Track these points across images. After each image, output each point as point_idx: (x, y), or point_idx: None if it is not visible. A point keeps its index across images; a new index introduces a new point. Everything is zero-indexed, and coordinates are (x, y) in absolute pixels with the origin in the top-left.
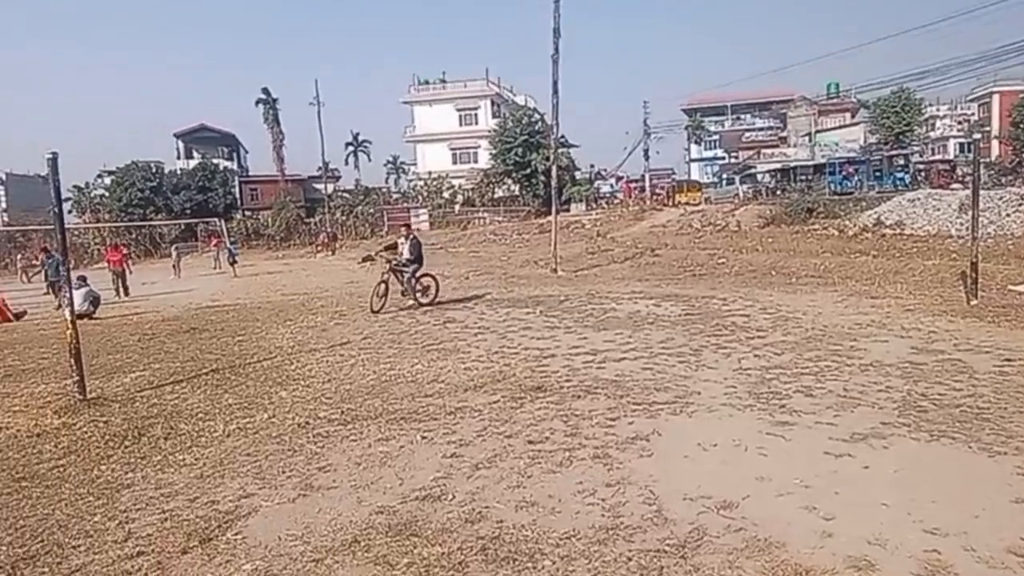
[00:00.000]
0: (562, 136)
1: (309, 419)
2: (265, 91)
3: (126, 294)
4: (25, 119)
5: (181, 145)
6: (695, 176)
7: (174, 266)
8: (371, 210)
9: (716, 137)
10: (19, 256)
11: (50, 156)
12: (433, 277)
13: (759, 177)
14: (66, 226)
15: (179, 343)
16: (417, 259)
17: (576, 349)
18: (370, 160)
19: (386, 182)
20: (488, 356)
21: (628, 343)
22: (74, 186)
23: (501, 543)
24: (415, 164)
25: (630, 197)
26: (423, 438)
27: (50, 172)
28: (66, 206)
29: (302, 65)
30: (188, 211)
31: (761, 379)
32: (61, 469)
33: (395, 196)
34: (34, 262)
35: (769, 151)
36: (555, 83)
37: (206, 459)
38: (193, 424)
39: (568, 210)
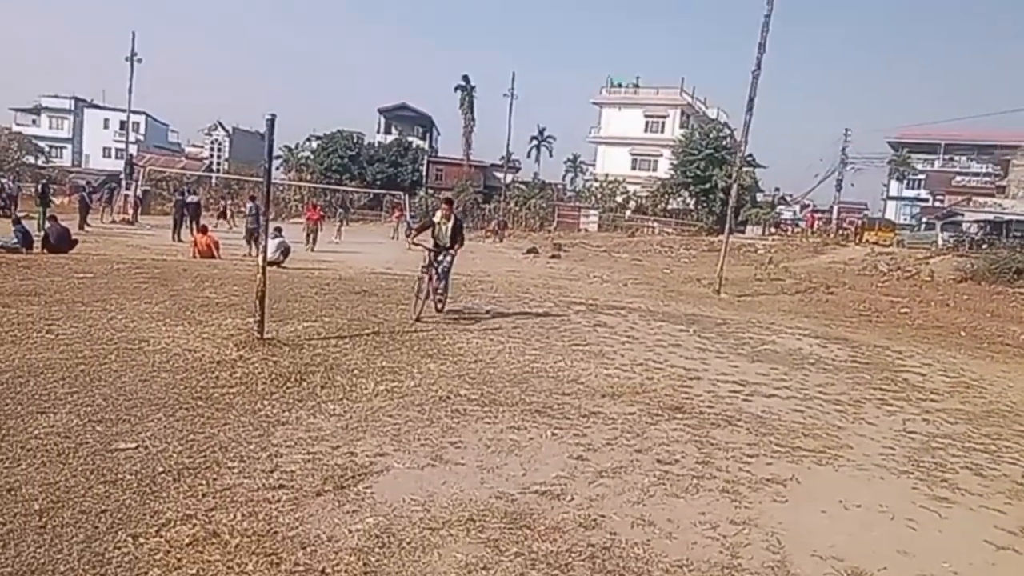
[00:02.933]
0: (749, 155)
1: (450, 394)
2: (465, 78)
3: (314, 248)
4: (257, 82)
5: (382, 120)
6: (890, 215)
7: (337, 229)
8: (544, 204)
9: (922, 176)
10: (228, 202)
11: (269, 118)
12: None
13: (965, 226)
14: (272, 181)
15: (349, 302)
16: (459, 243)
17: (725, 376)
18: (551, 156)
19: (563, 179)
20: (632, 366)
21: (782, 380)
22: (285, 146)
23: (610, 555)
24: (593, 165)
25: (812, 227)
26: (553, 435)
27: (267, 131)
28: (275, 163)
29: (502, 56)
30: (378, 182)
31: (926, 446)
32: (231, 397)
33: (569, 194)
34: (241, 208)
35: (982, 199)
36: (751, 100)
37: (353, 413)
38: (348, 378)
39: (743, 232)
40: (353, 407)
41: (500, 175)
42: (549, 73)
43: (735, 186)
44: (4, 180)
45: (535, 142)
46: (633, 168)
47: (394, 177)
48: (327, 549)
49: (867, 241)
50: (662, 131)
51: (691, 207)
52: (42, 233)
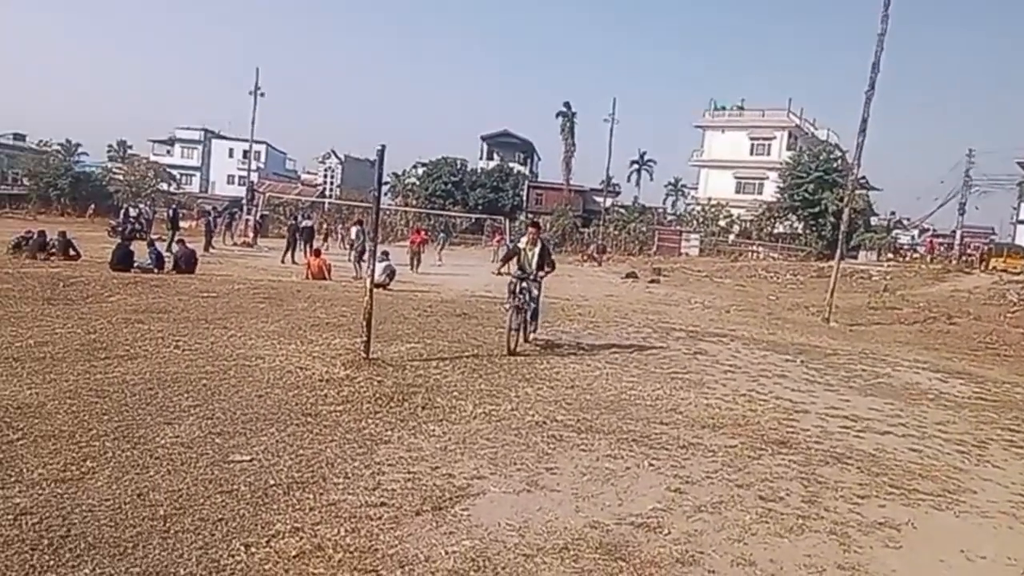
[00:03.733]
0: (862, 177)
1: (547, 419)
2: (566, 104)
3: (418, 270)
4: (369, 112)
5: (485, 146)
6: (1020, 240)
7: (438, 252)
8: (643, 228)
9: None
10: (329, 226)
11: (380, 148)
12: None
13: None
14: (381, 206)
15: (451, 324)
16: (550, 267)
17: (834, 410)
18: (652, 179)
19: (663, 203)
20: (734, 397)
21: (898, 416)
22: (393, 172)
23: None
24: (696, 188)
25: (932, 253)
26: (651, 465)
27: (377, 160)
28: (384, 189)
29: (603, 80)
30: (480, 207)
31: None
32: (338, 414)
33: (670, 218)
34: (345, 232)
35: None
36: (864, 120)
37: (452, 434)
38: (448, 400)
39: (855, 257)
40: (452, 428)
41: (600, 199)
42: (652, 98)
43: (847, 209)
44: (141, 205)
45: (635, 166)
46: (737, 191)
47: (495, 202)
48: (424, 569)
49: (994, 268)
50: (768, 153)
51: (799, 231)
52: (171, 255)
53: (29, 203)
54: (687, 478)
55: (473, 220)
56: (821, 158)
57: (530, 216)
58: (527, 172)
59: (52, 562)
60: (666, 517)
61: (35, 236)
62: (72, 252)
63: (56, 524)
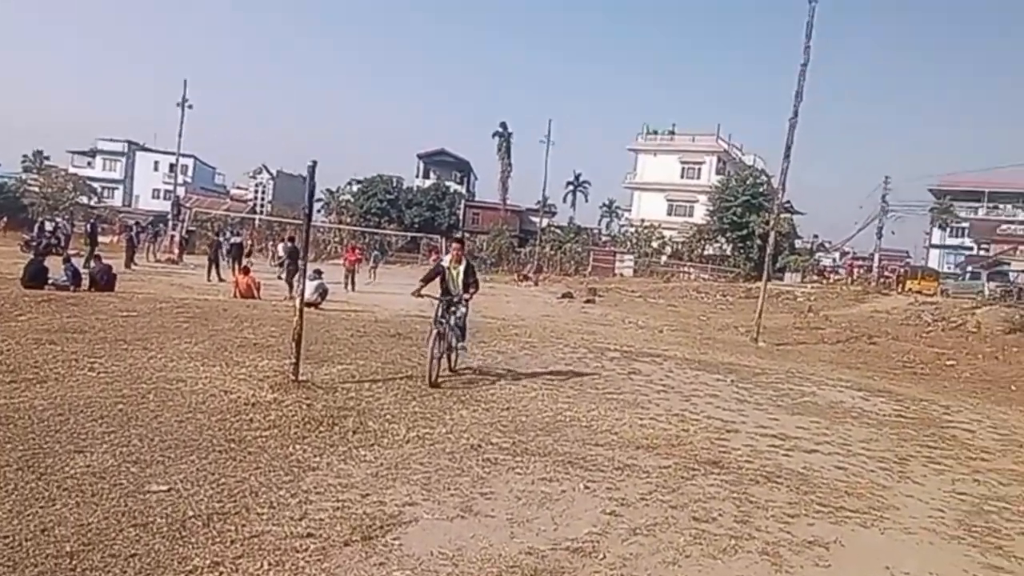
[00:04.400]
0: (787, 201)
1: (481, 442)
2: (503, 125)
3: (352, 289)
4: (301, 128)
5: (421, 164)
6: (932, 263)
7: (371, 270)
8: (579, 248)
9: (965, 225)
10: (270, 243)
11: (311, 164)
12: None
13: (1012, 275)
14: (315, 223)
15: (384, 345)
16: (475, 287)
17: (763, 429)
18: (587, 200)
19: (598, 223)
20: (667, 417)
21: (824, 435)
22: (326, 189)
23: None
24: (629, 210)
25: (852, 275)
26: (586, 488)
27: (308, 176)
28: (317, 206)
29: (538, 103)
30: (416, 225)
31: (978, 509)
32: (263, 440)
33: (604, 239)
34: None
35: None
36: (788, 147)
37: (384, 460)
38: (380, 424)
39: (781, 279)
40: (384, 453)
41: (536, 219)
42: (586, 121)
43: (772, 232)
44: (58, 220)
45: (571, 187)
46: (669, 214)
47: (431, 220)
48: None
49: (910, 290)
50: (698, 177)
51: (728, 253)
52: (87, 272)
53: None
54: (622, 500)
55: (409, 238)
56: (748, 182)
57: (466, 234)
58: (464, 191)
59: None
60: (601, 541)
61: None
62: None
63: None
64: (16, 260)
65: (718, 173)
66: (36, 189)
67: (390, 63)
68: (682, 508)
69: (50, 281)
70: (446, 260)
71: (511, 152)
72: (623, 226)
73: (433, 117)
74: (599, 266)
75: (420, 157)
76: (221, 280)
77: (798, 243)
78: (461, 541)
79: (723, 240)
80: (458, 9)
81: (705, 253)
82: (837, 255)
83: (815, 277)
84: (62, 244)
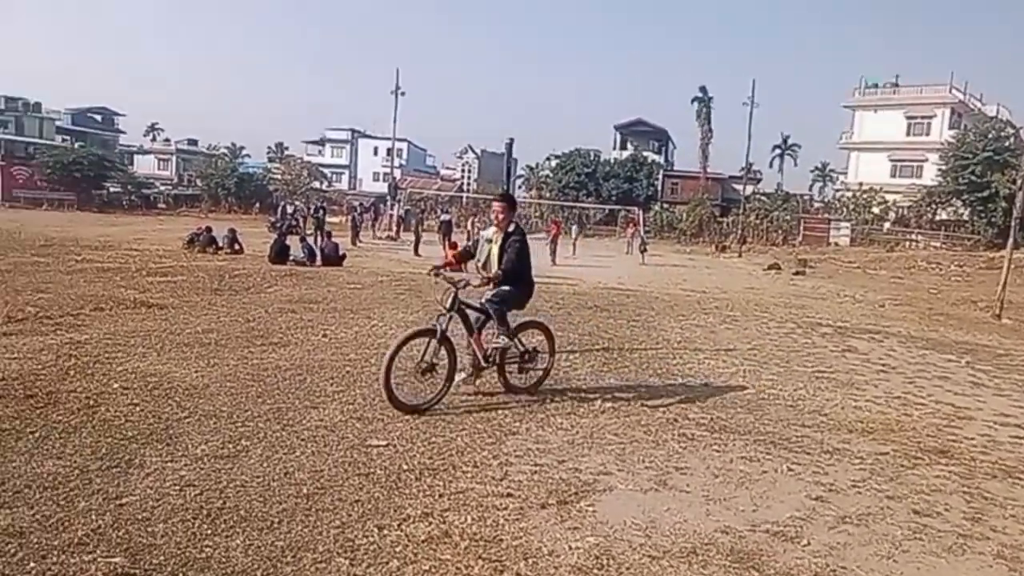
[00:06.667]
0: None
1: (678, 417)
2: (702, 89)
3: (554, 263)
4: (505, 108)
5: (618, 136)
6: None
7: (572, 244)
8: (787, 216)
9: None
10: (472, 219)
11: (508, 141)
12: (544, 329)
13: None
14: (516, 199)
15: (582, 317)
16: (516, 278)
17: (1004, 417)
18: (796, 165)
19: (810, 189)
20: (887, 399)
21: None
22: (527, 165)
23: None
24: (845, 173)
25: None
26: (790, 470)
27: (506, 153)
28: (518, 182)
29: (742, 64)
30: (614, 197)
31: None
32: (468, 404)
33: (816, 205)
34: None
35: None
36: None
37: (580, 428)
38: (575, 393)
39: None
40: (580, 422)
41: (739, 187)
42: (794, 79)
43: (1021, 193)
44: (297, 203)
45: (778, 151)
46: (892, 175)
47: (629, 192)
48: (547, 563)
49: None
50: (927, 133)
51: (965, 218)
52: (307, 247)
53: (202, 202)
54: (830, 486)
55: (607, 211)
56: (990, 136)
57: (665, 205)
58: (662, 161)
59: (209, 531)
60: (805, 527)
61: (204, 232)
62: (237, 247)
63: (214, 496)
64: (264, 239)
65: (952, 127)
66: (278, 176)
67: (583, 35)
68: (901, 499)
69: (291, 258)
70: (489, 231)
71: (711, 118)
72: (838, 191)
73: (630, 88)
74: (810, 235)
75: (617, 128)
76: (417, 255)
77: None
78: (655, 513)
79: (959, 203)
80: None
81: (937, 218)
82: None
83: None
84: (300, 225)
